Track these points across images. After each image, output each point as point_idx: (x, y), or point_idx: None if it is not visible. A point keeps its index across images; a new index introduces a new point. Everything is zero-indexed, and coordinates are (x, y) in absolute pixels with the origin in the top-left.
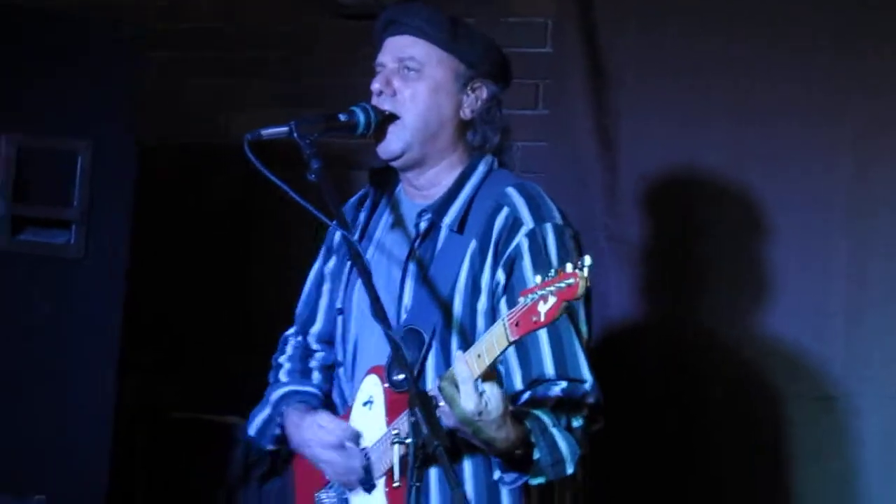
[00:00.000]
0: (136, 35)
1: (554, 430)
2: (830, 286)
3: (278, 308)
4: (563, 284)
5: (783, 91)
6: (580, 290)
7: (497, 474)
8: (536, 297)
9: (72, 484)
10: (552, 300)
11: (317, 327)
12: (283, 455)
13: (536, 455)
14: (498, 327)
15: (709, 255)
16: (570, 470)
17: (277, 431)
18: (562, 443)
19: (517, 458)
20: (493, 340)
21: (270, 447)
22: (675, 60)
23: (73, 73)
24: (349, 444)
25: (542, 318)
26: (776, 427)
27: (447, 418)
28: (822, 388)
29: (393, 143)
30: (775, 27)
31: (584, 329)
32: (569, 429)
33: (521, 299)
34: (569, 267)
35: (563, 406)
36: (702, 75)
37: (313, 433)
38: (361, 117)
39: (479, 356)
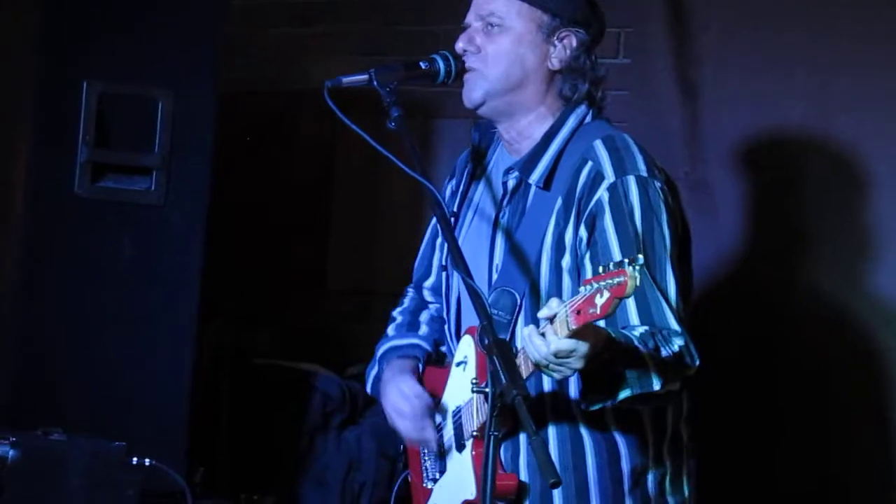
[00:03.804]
0: None
1: (638, 345)
2: None
3: (360, 257)
4: (613, 281)
5: (869, 39)
6: (628, 289)
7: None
8: (593, 289)
9: (153, 428)
10: (606, 294)
11: (430, 281)
12: None
13: (621, 367)
14: (562, 312)
15: (792, 206)
16: (656, 386)
17: None
18: (648, 359)
19: (603, 372)
20: (558, 326)
21: None
22: (757, 7)
23: (155, 19)
24: (423, 416)
25: (598, 311)
26: (863, 383)
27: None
28: None
29: (473, 91)
30: None
31: (671, 290)
32: (656, 351)
33: (582, 289)
34: (624, 263)
35: (652, 336)
36: (785, 23)
37: (389, 401)
38: (442, 65)
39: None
